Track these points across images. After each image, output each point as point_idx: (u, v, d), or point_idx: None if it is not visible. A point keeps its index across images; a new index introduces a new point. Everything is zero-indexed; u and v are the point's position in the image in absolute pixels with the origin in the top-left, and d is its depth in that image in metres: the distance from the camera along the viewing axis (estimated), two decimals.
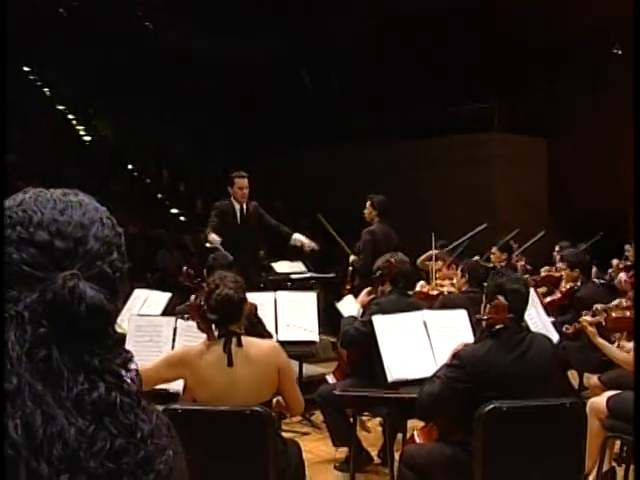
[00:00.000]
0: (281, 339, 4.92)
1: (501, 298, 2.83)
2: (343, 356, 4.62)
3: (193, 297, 2.87)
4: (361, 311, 4.41)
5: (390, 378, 3.67)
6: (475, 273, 4.95)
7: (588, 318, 4.17)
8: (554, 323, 4.72)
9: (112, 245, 0.89)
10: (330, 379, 4.66)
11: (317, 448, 4.73)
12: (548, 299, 5.64)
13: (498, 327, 2.85)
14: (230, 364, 2.79)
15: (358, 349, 4.33)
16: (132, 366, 0.83)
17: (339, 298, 5.81)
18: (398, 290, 4.26)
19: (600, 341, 3.96)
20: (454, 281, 5.34)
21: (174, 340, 3.71)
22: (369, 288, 4.42)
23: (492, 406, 2.63)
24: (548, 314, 4.78)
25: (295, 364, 5.67)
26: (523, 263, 7.67)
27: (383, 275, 4.22)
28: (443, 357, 3.42)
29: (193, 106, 15.27)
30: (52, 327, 0.78)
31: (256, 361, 2.84)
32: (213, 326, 2.91)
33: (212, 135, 15.41)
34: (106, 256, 0.87)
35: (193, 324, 3.05)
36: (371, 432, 5.13)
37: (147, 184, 16.45)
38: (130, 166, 16.82)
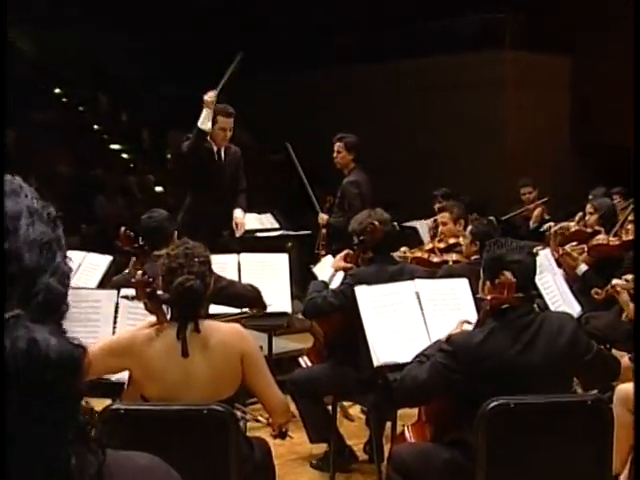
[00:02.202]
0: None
1: (507, 274, 2.86)
2: (318, 335, 4.66)
3: (139, 273, 2.85)
4: (335, 278, 4.44)
5: (376, 362, 3.72)
6: (488, 240, 4.94)
7: (620, 282, 4.20)
8: (574, 292, 4.77)
9: (52, 242, 0.72)
10: (303, 362, 4.71)
11: (290, 441, 4.76)
12: (600, 241, 5.61)
13: (503, 308, 2.88)
14: (185, 354, 2.80)
15: (328, 323, 4.39)
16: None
17: (316, 260, 5.84)
18: (381, 259, 4.27)
19: (633, 309, 4.01)
20: (461, 242, 5.35)
21: (116, 319, 3.70)
22: (346, 251, 4.44)
23: (497, 402, 2.67)
24: (570, 286, 4.81)
25: (263, 338, 5.74)
26: (540, 211, 7.71)
27: (364, 241, 4.23)
28: (439, 336, 3.47)
29: (141, 16, 14.92)
30: None
31: (215, 349, 2.85)
32: (164, 306, 2.91)
33: (163, 52, 15.11)
34: (49, 264, 0.70)
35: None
36: (355, 421, 5.22)
37: (80, 112, 16.18)
38: (58, 89, 16.48)
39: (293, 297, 5.41)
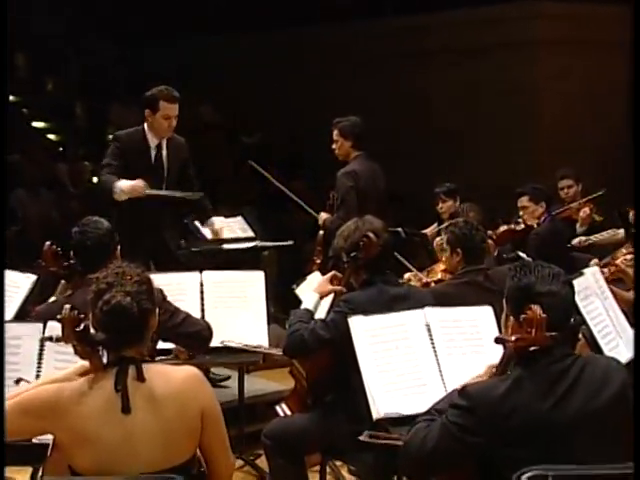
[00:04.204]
0: (211, 344, 5.00)
1: (536, 308, 2.88)
2: (300, 377, 4.69)
3: (67, 307, 2.85)
4: (321, 306, 4.48)
5: (376, 414, 3.75)
6: (470, 244, 5.07)
7: None
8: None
9: None
10: (281, 410, 4.74)
11: None
12: None
13: (531, 350, 2.90)
14: (126, 410, 2.82)
15: (313, 361, 4.43)
16: None
17: (302, 277, 5.87)
18: (379, 279, 4.32)
19: None
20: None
21: (40, 361, 3.69)
22: (333, 273, 4.49)
23: (531, 473, 2.69)
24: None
25: (233, 376, 5.76)
26: (588, 211, 7.72)
27: (357, 258, 4.27)
28: (456, 381, 3.50)
29: None
30: None
31: (166, 402, 2.87)
32: (100, 348, 2.92)
33: (99, 5, 15.06)
34: None
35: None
36: None
37: None
38: None
39: (270, 321, 5.45)
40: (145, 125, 6.28)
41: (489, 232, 6.97)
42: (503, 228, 7.37)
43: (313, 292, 4.52)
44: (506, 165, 10.81)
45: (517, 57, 11.52)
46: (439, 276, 5.81)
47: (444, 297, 4.67)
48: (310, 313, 4.38)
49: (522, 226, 7.38)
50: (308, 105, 12.59)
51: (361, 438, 3.70)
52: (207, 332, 4.51)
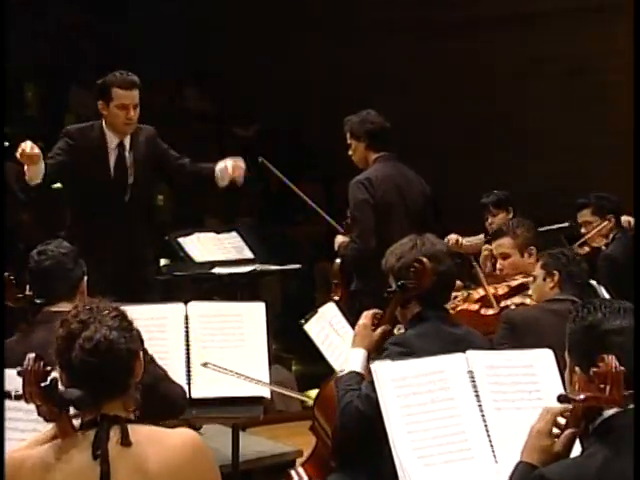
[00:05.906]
0: (196, 395, 5.05)
1: (610, 359, 2.83)
2: (323, 435, 4.70)
3: (31, 357, 2.82)
4: (359, 355, 4.49)
5: None
6: (571, 268, 5.11)
7: None
8: None
9: None
10: (296, 475, 4.75)
11: None
12: None
13: (610, 414, 2.90)
14: None
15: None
16: None
17: (313, 311, 5.90)
18: (434, 315, 4.37)
19: None
20: (530, 279, 5.49)
21: None
22: (374, 311, 4.50)
23: None
24: None
25: (226, 434, 5.80)
26: None
27: (407, 288, 4.31)
28: (508, 445, 3.54)
29: None
30: None
31: (159, 474, 2.87)
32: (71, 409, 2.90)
33: None
34: None
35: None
36: None
37: None
38: None
39: (272, 362, 5.47)
40: (103, 122, 6.33)
41: None
42: None
43: (357, 349, 4.48)
44: (570, 164, 10.79)
45: (593, 25, 11.39)
46: (516, 300, 5.81)
47: (529, 325, 4.82)
48: (359, 376, 4.34)
49: (586, 249, 7.27)
50: (320, 87, 12.63)
51: None
52: (184, 401, 4.54)
